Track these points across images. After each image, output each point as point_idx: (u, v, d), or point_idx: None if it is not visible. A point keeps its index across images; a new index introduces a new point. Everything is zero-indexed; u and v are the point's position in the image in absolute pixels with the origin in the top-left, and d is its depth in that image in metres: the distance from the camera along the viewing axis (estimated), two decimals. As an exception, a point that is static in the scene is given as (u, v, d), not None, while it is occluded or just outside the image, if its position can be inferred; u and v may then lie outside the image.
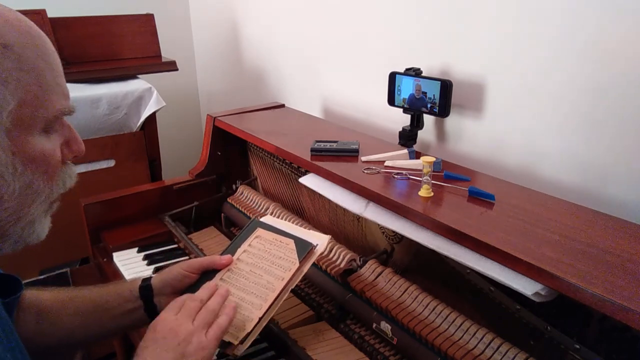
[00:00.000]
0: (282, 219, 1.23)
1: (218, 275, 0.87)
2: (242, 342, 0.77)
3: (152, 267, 1.23)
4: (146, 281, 0.85)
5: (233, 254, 0.91)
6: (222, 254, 0.90)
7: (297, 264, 0.85)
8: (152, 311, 0.83)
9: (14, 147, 0.53)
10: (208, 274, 0.87)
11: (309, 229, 1.07)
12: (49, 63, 0.55)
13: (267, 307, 0.80)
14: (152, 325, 0.69)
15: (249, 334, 0.78)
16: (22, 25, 0.54)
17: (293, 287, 0.85)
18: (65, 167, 0.62)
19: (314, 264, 1.06)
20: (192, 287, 0.85)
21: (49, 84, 0.55)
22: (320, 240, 0.90)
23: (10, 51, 0.51)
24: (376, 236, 1.09)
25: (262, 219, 0.98)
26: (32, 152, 0.55)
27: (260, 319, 0.79)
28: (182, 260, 0.96)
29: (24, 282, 0.74)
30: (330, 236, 0.91)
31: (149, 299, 0.83)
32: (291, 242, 0.90)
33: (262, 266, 0.88)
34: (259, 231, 0.95)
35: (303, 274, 0.86)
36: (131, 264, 1.24)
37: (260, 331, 0.80)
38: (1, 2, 0.57)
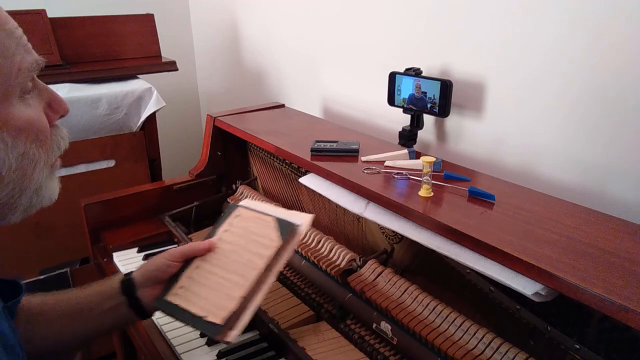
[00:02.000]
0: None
1: (199, 257, 0.87)
2: (230, 327, 0.75)
3: (152, 267, 1.23)
4: (127, 276, 0.84)
5: (215, 236, 0.90)
6: (205, 239, 0.89)
7: (279, 242, 0.83)
8: (136, 306, 0.82)
9: None
10: (190, 261, 0.87)
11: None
12: (4, 29, 0.54)
13: (248, 286, 0.79)
14: None
15: (232, 314, 0.76)
16: None
17: (280, 268, 0.82)
18: (54, 129, 0.61)
19: (314, 264, 1.06)
20: (176, 276, 0.84)
21: (10, 49, 0.54)
22: (303, 220, 0.87)
23: None
24: (376, 236, 1.09)
25: (241, 202, 0.96)
26: (18, 122, 0.54)
27: (244, 298, 0.77)
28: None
29: (24, 282, 0.74)
30: (314, 215, 0.89)
31: (131, 294, 0.82)
32: (272, 219, 0.87)
33: (243, 244, 0.86)
34: (240, 210, 0.93)
35: (289, 254, 0.84)
36: (131, 264, 1.24)
37: (251, 316, 0.77)
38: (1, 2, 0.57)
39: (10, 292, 0.70)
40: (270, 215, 0.89)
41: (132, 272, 0.85)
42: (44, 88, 0.60)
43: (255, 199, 1.21)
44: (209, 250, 0.87)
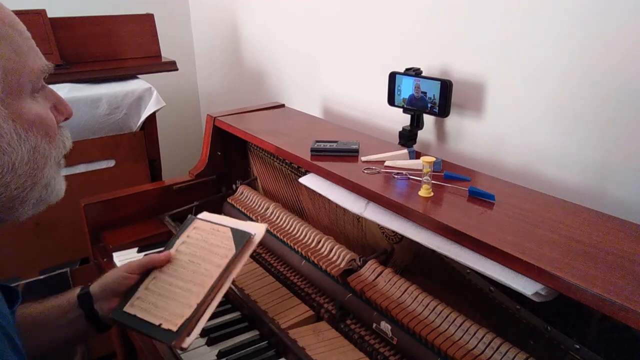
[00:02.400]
0: (282, 219, 1.23)
1: (157, 268, 0.89)
2: (187, 333, 0.78)
3: (152, 267, 1.23)
4: (84, 289, 0.86)
5: (172, 248, 0.93)
6: (161, 251, 0.92)
7: (234, 251, 0.87)
8: (93, 318, 0.83)
9: (12, 115, 0.55)
10: (148, 273, 0.89)
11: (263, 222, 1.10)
12: (17, 30, 0.57)
13: (204, 293, 0.81)
14: None
15: (187, 320, 0.78)
16: None
17: (234, 276, 0.86)
18: (60, 129, 0.63)
19: (314, 264, 1.07)
20: (134, 288, 0.86)
21: (22, 49, 0.57)
22: (257, 230, 0.91)
23: None
24: (376, 236, 1.09)
25: (199, 215, 1.00)
26: (29, 116, 0.57)
27: (199, 305, 0.80)
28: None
29: (24, 282, 0.74)
30: (267, 225, 0.93)
31: (88, 307, 0.83)
32: (228, 230, 0.92)
33: (200, 255, 0.89)
34: (197, 222, 0.97)
35: (243, 263, 0.88)
36: (131, 264, 1.24)
37: (205, 321, 0.80)
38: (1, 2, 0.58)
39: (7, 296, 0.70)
40: (226, 226, 0.93)
41: (89, 285, 0.87)
42: (50, 90, 0.62)
43: (275, 215, 1.25)
44: (166, 261, 0.90)
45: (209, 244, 0.91)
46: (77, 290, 0.86)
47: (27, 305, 0.84)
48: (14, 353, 0.58)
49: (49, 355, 0.81)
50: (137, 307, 0.84)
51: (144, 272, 0.89)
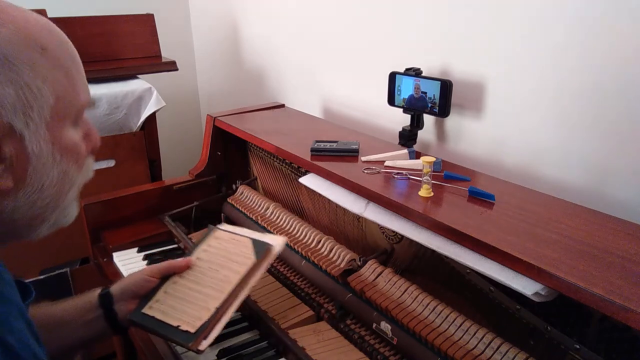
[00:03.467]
0: (282, 219, 1.23)
1: (177, 274, 0.91)
2: (204, 336, 0.79)
3: (152, 267, 1.23)
4: (105, 289, 0.87)
5: (192, 255, 0.94)
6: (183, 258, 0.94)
7: (253, 259, 0.88)
8: (112, 319, 0.84)
9: (53, 139, 0.57)
10: (167, 278, 0.90)
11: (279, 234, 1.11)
12: (75, 62, 0.62)
13: (223, 298, 0.83)
14: None
15: (206, 323, 0.79)
16: (53, 29, 0.60)
17: (252, 285, 0.87)
18: (87, 158, 0.66)
19: (314, 264, 1.07)
20: (153, 291, 0.87)
21: (75, 80, 0.60)
22: (277, 242, 0.93)
23: (48, 52, 0.56)
24: (376, 236, 1.09)
25: (219, 226, 1.02)
26: (66, 143, 0.59)
27: (217, 309, 0.81)
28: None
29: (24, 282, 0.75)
30: (287, 238, 0.95)
31: (108, 307, 0.85)
32: (248, 240, 0.94)
33: (220, 262, 0.91)
34: (218, 232, 0.99)
35: (261, 273, 0.89)
36: (131, 264, 1.24)
37: (222, 327, 0.81)
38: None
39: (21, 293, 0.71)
40: (247, 237, 0.95)
41: (110, 286, 0.88)
42: (85, 120, 0.65)
43: (275, 215, 1.27)
44: (186, 267, 0.92)
45: (228, 252, 0.92)
46: (98, 290, 0.87)
47: (45, 304, 0.85)
48: (31, 336, 0.60)
49: (66, 356, 0.81)
50: (156, 309, 0.84)
51: (164, 276, 0.90)
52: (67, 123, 0.60)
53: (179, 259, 0.93)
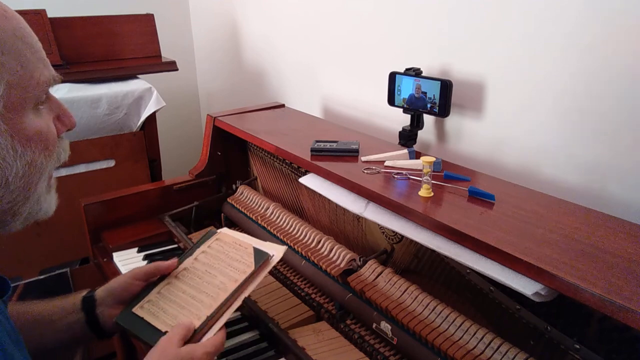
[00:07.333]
0: (282, 219, 1.23)
1: (172, 274, 0.89)
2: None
3: (152, 267, 1.23)
4: (91, 292, 0.85)
5: (190, 257, 0.93)
6: (180, 259, 0.92)
7: (252, 268, 0.86)
8: (94, 323, 0.83)
9: (11, 130, 0.54)
10: (163, 278, 0.89)
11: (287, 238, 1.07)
12: (26, 42, 0.56)
13: (216, 306, 0.81)
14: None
15: (195, 331, 0.77)
16: None
17: (247, 295, 0.84)
18: (59, 141, 0.63)
19: (314, 264, 1.07)
20: (139, 295, 0.86)
21: (30, 62, 0.56)
22: (276, 251, 0.91)
23: None
24: (376, 236, 1.09)
25: (220, 230, 1.00)
26: (28, 132, 0.56)
27: (209, 318, 0.79)
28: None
29: (24, 282, 0.74)
30: (287, 247, 0.93)
31: (90, 311, 0.83)
32: (250, 246, 0.91)
33: (218, 267, 0.89)
34: (220, 235, 0.97)
35: (258, 282, 0.87)
36: (131, 264, 1.24)
37: (212, 335, 0.78)
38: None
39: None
40: (249, 243, 0.93)
41: (95, 289, 0.86)
42: (54, 101, 0.62)
43: (275, 215, 1.25)
44: (171, 268, 0.89)
45: (229, 257, 0.91)
46: (84, 292, 0.85)
47: (32, 302, 0.83)
48: (8, 337, 0.58)
49: (47, 356, 0.80)
50: (147, 310, 0.83)
51: (153, 279, 0.88)
52: (27, 110, 0.56)
53: (165, 261, 0.90)
